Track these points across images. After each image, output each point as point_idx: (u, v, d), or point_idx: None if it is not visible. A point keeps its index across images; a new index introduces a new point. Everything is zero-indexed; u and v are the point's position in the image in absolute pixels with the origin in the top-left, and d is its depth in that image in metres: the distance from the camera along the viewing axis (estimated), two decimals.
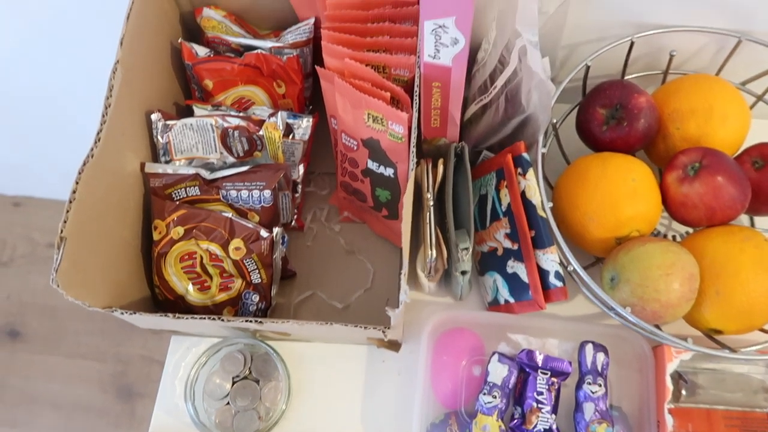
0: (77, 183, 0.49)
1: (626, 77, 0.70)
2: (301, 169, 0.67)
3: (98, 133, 0.51)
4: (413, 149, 0.51)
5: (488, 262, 0.63)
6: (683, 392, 0.59)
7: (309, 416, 0.63)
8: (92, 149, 0.51)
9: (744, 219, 0.69)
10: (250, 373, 0.62)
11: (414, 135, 0.52)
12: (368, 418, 0.62)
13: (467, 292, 0.64)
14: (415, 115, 0.52)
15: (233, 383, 0.62)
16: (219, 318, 0.52)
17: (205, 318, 0.52)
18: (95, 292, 0.52)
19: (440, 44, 0.49)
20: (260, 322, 0.52)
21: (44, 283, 1.32)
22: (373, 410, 0.63)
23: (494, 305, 0.63)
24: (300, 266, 0.68)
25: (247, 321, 0.52)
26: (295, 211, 0.68)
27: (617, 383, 0.60)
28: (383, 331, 0.53)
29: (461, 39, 0.49)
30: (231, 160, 0.63)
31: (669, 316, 0.55)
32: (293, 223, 0.68)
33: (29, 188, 1.37)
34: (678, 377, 0.60)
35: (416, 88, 0.53)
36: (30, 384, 1.25)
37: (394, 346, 0.63)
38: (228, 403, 0.61)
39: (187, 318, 0.52)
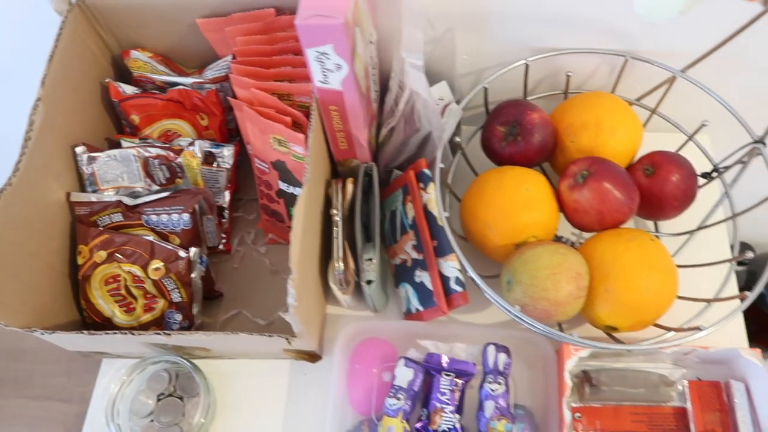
0: None
1: (529, 98, 0.74)
2: (227, 195, 0.71)
3: (17, 164, 0.56)
4: (308, 167, 0.55)
5: (401, 274, 0.67)
6: (587, 390, 0.62)
7: (233, 431, 0.65)
8: (10, 179, 0.55)
9: (650, 225, 0.73)
10: (175, 390, 0.65)
11: (309, 154, 0.56)
12: (290, 430, 0.64)
13: (382, 304, 0.67)
14: (311, 135, 0.57)
15: (158, 401, 0.64)
16: (130, 332, 0.55)
17: (117, 333, 0.55)
18: (14, 312, 0.55)
19: (326, 70, 0.54)
20: (168, 334, 0.55)
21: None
22: (295, 422, 0.65)
23: (408, 315, 0.66)
24: (227, 287, 0.71)
25: (156, 333, 0.55)
26: (223, 235, 0.72)
27: (523, 383, 0.63)
28: (288, 340, 0.56)
29: (344, 64, 0.53)
30: (155, 188, 0.67)
31: (560, 314, 0.58)
32: (221, 246, 0.72)
33: None
34: (583, 376, 0.62)
35: (311, 111, 0.58)
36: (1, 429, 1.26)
37: (313, 357, 0.66)
38: (152, 420, 0.63)
39: (101, 334, 0.55)
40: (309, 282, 0.59)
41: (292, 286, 0.50)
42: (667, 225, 0.72)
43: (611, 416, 0.62)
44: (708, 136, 0.74)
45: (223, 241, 0.72)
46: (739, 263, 0.99)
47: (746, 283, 1.05)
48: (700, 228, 0.69)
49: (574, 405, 0.63)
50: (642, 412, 0.62)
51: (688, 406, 0.61)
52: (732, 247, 0.67)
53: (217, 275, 0.71)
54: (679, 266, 0.63)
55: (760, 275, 1.03)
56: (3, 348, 1.32)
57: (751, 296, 0.57)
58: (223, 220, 0.72)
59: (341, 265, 0.61)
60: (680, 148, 0.70)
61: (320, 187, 0.63)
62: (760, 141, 0.63)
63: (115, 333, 0.55)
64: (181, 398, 0.64)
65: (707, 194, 0.69)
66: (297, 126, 0.60)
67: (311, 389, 0.66)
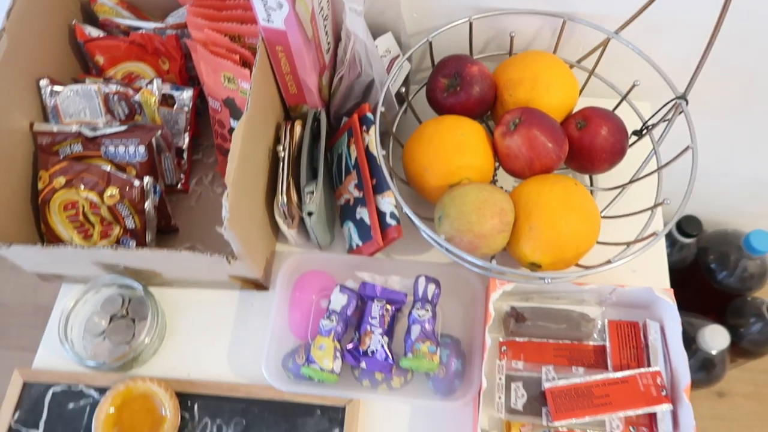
0: None
1: (476, 56, 0.79)
2: (186, 138, 0.75)
3: None
4: (250, 97, 0.59)
5: (344, 213, 0.71)
6: (513, 325, 0.66)
7: (180, 355, 0.69)
8: None
9: (586, 180, 0.77)
10: (127, 313, 0.69)
11: (252, 86, 0.60)
12: (234, 355, 0.68)
13: (326, 241, 0.71)
14: (256, 70, 0.61)
15: (110, 322, 0.68)
16: (80, 246, 0.59)
17: (68, 246, 0.59)
18: None
19: (269, 8, 0.58)
20: (115, 248, 0.59)
21: None
22: (239, 347, 0.69)
23: (350, 251, 0.70)
24: (183, 223, 0.75)
25: (104, 248, 0.59)
26: (182, 175, 0.76)
27: (453, 316, 0.67)
28: (228, 259, 0.60)
29: (285, 3, 0.57)
30: (115, 124, 0.71)
31: (484, 246, 0.62)
32: (179, 186, 0.76)
33: None
34: (511, 311, 0.66)
35: (257, 48, 0.61)
36: None
37: (259, 287, 0.70)
38: (104, 339, 0.67)
39: (54, 247, 0.59)
40: (251, 210, 0.63)
41: (226, 201, 0.54)
42: (601, 181, 0.77)
43: (535, 350, 0.66)
44: (648, 103, 0.78)
45: (182, 180, 0.76)
46: (688, 236, 1.03)
47: (696, 257, 1.09)
48: (631, 182, 0.73)
49: (501, 339, 0.67)
50: (564, 348, 0.66)
51: (607, 343, 0.65)
52: (656, 198, 0.70)
53: (174, 212, 0.75)
54: (609, 217, 0.67)
55: (710, 249, 1.07)
56: None
57: (661, 233, 0.61)
58: (182, 161, 0.76)
59: (284, 197, 0.65)
60: (615, 108, 0.74)
61: (269, 127, 0.67)
62: (682, 97, 0.67)
63: (67, 247, 0.59)
64: (132, 320, 0.68)
65: (639, 153, 0.73)
66: (246, 65, 0.64)
67: (256, 318, 0.70)
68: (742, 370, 1.24)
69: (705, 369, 1.00)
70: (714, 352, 0.95)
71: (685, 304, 1.04)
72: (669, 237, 1.06)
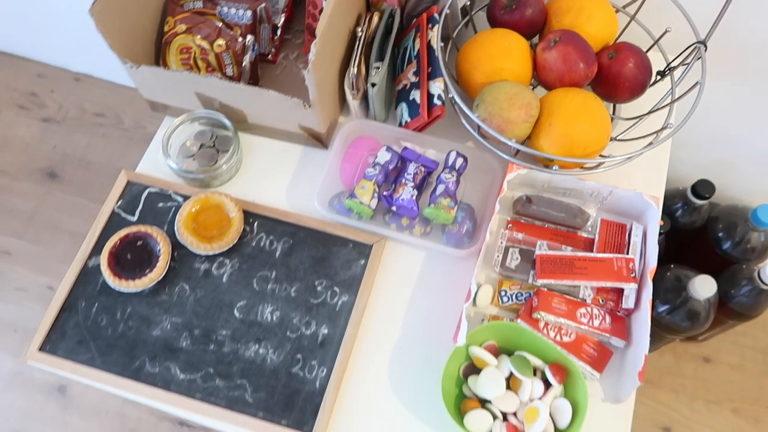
0: None
1: None
2: (282, 17, 0.91)
3: None
4: None
5: (400, 96, 0.85)
6: (521, 207, 0.79)
7: (249, 185, 0.85)
8: None
9: (609, 108, 0.89)
10: (214, 145, 0.85)
11: None
12: (291, 192, 0.84)
13: (382, 115, 0.85)
14: None
15: (200, 148, 0.85)
16: (193, 73, 0.75)
17: (183, 72, 0.75)
18: (117, 42, 0.76)
19: None
20: (220, 77, 0.75)
21: (86, 141, 1.59)
22: (296, 187, 0.84)
23: (400, 126, 0.84)
24: (267, 86, 0.91)
25: (210, 76, 0.75)
26: (273, 48, 0.92)
27: (473, 190, 0.81)
28: (304, 104, 0.75)
29: None
30: None
31: (510, 132, 0.75)
32: (269, 56, 0.92)
33: (90, 67, 1.65)
34: (521, 197, 0.80)
35: None
36: (57, 216, 1.51)
37: (321, 143, 0.85)
38: (194, 160, 0.84)
39: (170, 71, 0.76)
40: (327, 72, 0.78)
41: (314, 46, 0.69)
42: (623, 111, 0.88)
43: (535, 230, 0.79)
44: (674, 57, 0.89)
45: (272, 52, 0.91)
46: (701, 198, 1.13)
47: (706, 224, 1.19)
48: (648, 113, 0.84)
49: (508, 218, 0.81)
50: (559, 234, 0.79)
51: (596, 236, 0.78)
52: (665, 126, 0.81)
53: (261, 77, 0.90)
54: (623, 140, 0.79)
55: (720, 219, 1.16)
56: (73, 156, 1.57)
57: (663, 138, 0.73)
58: (275, 36, 0.91)
59: (354, 69, 0.80)
60: (647, 50, 0.86)
61: (353, 12, 0.82)
62: (702, 42, 0.78)
63: (183, 72, 0.75)
64: (217, 151, 0.85)
65: (660, 94, 0.85)
66: None
67: (314, 169, 0.85)
68: (733, 342, 1.33)
69: (692, 316, 1.10)
70: (701, 299, 1.06)
71: (686, 262, 1.15)
72: (683, 198, 1.16)
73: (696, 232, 1.19)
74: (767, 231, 1.13)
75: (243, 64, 0.84)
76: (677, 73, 0.83)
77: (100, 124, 1.62)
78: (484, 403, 0.68)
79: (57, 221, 1.51)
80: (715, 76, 0.94)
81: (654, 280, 1.14)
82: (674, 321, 1.11)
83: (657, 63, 0.84)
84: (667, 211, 1.19)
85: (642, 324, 0.70)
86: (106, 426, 1.32)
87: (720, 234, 1.16)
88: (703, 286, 1.04)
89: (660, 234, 1.12)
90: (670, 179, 1.27)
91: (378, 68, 0.79)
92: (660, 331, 1.17)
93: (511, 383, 0.68)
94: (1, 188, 1.55)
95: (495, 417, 0.66)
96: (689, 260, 1.15)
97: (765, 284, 1.05)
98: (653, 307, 1.13)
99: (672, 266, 1.13)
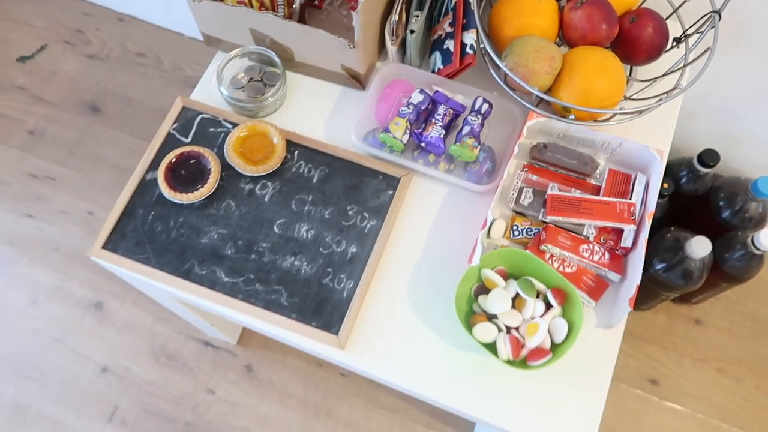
0: None
1: None
2: None
3: None
4: None
5: (435, 46, 0.93)
6: (537, 152, 0.87)
7: (292, 118, 0.93)
8: None
9: (627, 69, 0.96)
10: (262, 79, 0.94)
11: None
12: (329, 126, 0.93)
13: (417, 60, 0.93)
14: None
15: (249, 81, 0.93)
16: (249, 9, 0.83)
17: (241, 6, 0.83)
18: None
19: None
20: (276, 14, 0.83)
21: (127, 79, 1.68)
22: (334, 123, 0.93)
23: (433, 72, 0.92)
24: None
25: (265, 13, 0.83)
26: None
27: (495, 135, 0.89)
28: (348, 44, 0.83)
29: None
30: None
31: (533, 81, 0.83)
32: (316, 1, 0.99)
33: (133, 9, 1.73)
34: (537, 144, 0.88)
35: None
36: (98, 147, 1.61)
37: (359, 83, 0.93)
38: (243, 91, 0.93)
39: (228, 5, 0.84)
40: (371, 17, 0.85)
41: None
42: (639, 73, 0.95)
43: (549, 174, 0.88)
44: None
45: None
46: (706, 166, 1.20)
47: (708, 192, 1.27)
48: (662, 75, 0.91)
49: (525, 163, 0.89)
50: (570, 180, 0.88)
51: (603, 184, 0.86)
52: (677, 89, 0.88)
53: (308, 21, 0.98)
54: (636, 99, 0.86)
55: (722, 189, 1.23)
56: (115, 92, 1.67)
57: (677, 92, 0.81)
58: None
59: (396, 16, 0.87)
60: (667, 18, 0.92)
61: None
62: (717, 12, 0.84)
63: (241, 7, 0.83)
64: (264, 85, 0.93)
65: (675, 59, 0.92)
66: None
67: (351, 109, 0.94)
68: (724, 308, 1.42)
69: (687, 275, 1.19)
70: (697, 259, 1.14)
71: (687, 227, 1.23)
72: (689, 166, 1.23)
73: (699, 200, 1.27)
74: (765, 201, 1.21)
75: (294, 6, 0.91)
76: (692, 40, 0.90)
77: (141, 63, 1.70)
78: (491, 318, 0.77)
79: (98, 152, 1.61)
80: (727, 49, 1.01)
81: (654, 240, 1.23)
82: (670, 279, 1.20)
83: (675, 30, 0.91)
84: (674, 178, 1.26)
85: (637, 261, 0.79)
86: (137, 342, 1.44)
87: (721, 203, 1.24)
88: (699, 246, 1.12)
89: (664, 196, 1.21)
90: (679, 149, 1.35)
91: (417, 17, 0.87)
92: (656, 288, 1.26)
93: (516, 303, 0.77)
94: (48, 118, 1.65)
95: (500, 330, 0.76)
96: (690, 225, 1.23)
97: (757, 250, 1.14)
98: (651, 266, 1.22)
99: (672, 228, 1.21)
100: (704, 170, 1.21)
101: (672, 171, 1.27)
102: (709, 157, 1.19)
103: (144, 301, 1.46)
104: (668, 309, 1.41)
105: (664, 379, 1.35)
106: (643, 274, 1.25)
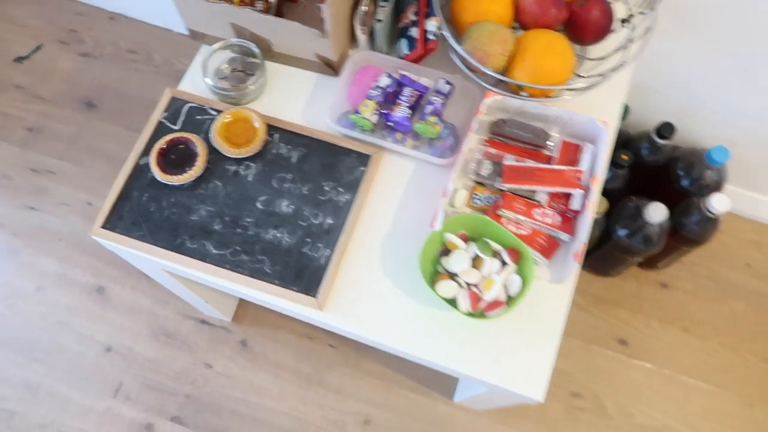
0: None
1: None
2: None
3: None
4: None
5: (401, 33, 1.01)
6: (496, 127, 0.95)
7: (272, 104, 1.01)
8: None
9: (578, 49, 1.04)
10: (243, 70, 1.02)
11: None
12: (306, 111, 1.01)
13: (385, 46, 1.01)
14: None
15: (232, 71, 1.02)
16: (228, 5, 0.91)
17: (221, 3, 0.91)
18: None
19: None
20: (252, 9, 0.91)
21: (120, 75, 1.75)
22: (311, 107, 1.01)
23: (400, 58, 1.00)
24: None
25: (242, 8, 0.91)
26: None
27: (457, 113, 0.97)
28: (319, 33, 0.91)
29: None
30: None
31: (489, 63, 0.91)
32: None
33: (124, 8, 1.81)
34: (496, 120, 0.96)
35: None
36: (94, 141, 1.69)
37: (333, 70, 1.01)
38: (226, 80, 1.01)
39: (210, 2, 0.91)
40: (340, 9, 0.93)
41: None
42: (589, 52, 1.04)
43: (506, 147, 0.96)
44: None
45: None
46: (663, 138, 1.29)
47: (668, 163, 1.35)
48: (614, 51, 0.99)
49: (485, 138, 0.97)
50: (526, 152, 0.96)
51: (555, 155, 0.95)
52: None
53: (285, 14, 1.06)
54: (587, 77, 0.95)
55: (680, 159, 1.32)
56: (109, 87, 1.75)
57: (620, 68, 0.89)
58: None
59: (364, 7, 0.95)
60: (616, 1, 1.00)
61: None
62: None
63: (221, 4, 0.91)
64: (246, 74, 1.01)
65: (623, 38, 1.00)
66: None
67: (325, 95, 1.02)
68: (689, 271, 1.51)
69: (647, 240, 1.28)
70: (655, 224, 1.23)
71: (650, 196, 1.32)
72: (648, 139, 1.31)
73: (660, 170, 1.35)
74: (719, 169, 1.30)
75: (270, 1, 0.99)
76: (637, 21, 0.98)
77: (133, 60, 1.78)
78: (453, 276, 0.86)
79: (95, 145, 1.69)
80: (677, 28, 1.09)
81: (617, 209, 1.32)
82: (632, 244, 1.29)
83: (622, 13, 0.99)
84: (636, 150, 1.35)
85: (585, 222, 0.87)
86: (138, 323, 1.52)
87: (680, 172, 1.33)
88: (656, 212, 1.21)
89: (623, 167, 1.29)
90: (643, 124, 1.43)
91: (384, 7, 0.95)
92: (620, 253, 1.35)
93: (475, 263, 0.86)
94: (46, 115, 1.73)
95: (461, 286, 0.84)
96: (653, 194, 1.31)
97: (710, 213, 1.22)
98: (614, 233, 1.31)
99: (633, 197, 1.30)
100: (662, 142, 1.30)
101: (634, 144, 1.36)
102: (665, 130, 1.27)
103: (143, 285, 1.55)
104: (636, 275, 1.50)
105: (633, 339, 1.44)
106: (607, 240, 1.35)
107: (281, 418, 1.42)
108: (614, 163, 1.25)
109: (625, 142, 1.37)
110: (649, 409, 1.39)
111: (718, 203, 1.19)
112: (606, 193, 1.26)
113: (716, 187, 1.31)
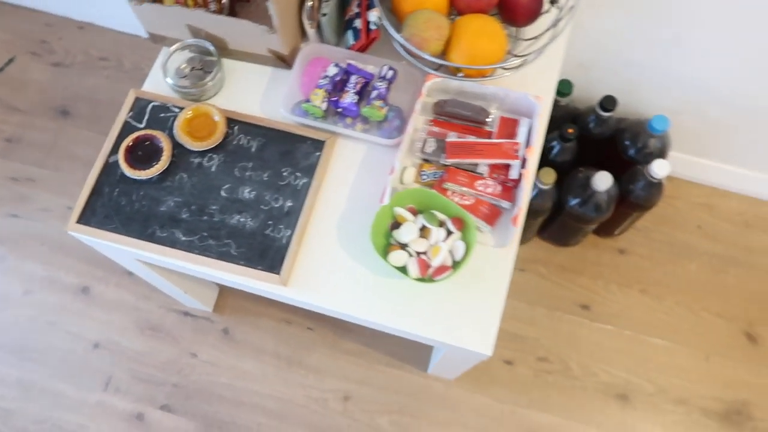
0: None
1: None
2: None
3: None
4: None
5: (347, 25, 1.08)
6: (438, 107, 1.03)
7: (230, 98, 1.08)
8: None
9: (513, 33, 1.11)
10: (202, 68, 1.09)
11: None
12: (263, 103, 1.08)
13: (332, 39, 1.08)
14: None
15: (191, 70, 1.08)
16: (182, 8, 0.98)
17: (176, 6, 0.98)
18: None
19: None
20: (205, 10, 0.97)
21: (93, 82, 1.81)
22: (267, 99, 1.08)
23: (347, 48, 1.07)
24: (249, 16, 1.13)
25: (195, 10, 0.97)
26: None
27: (402, 98, 1.04)
28: (268, 29, 0.98)
29: None
30: None
31: (426, 48, 0.98)
32: None
33: (92, 16, 1.86)
34: (438, 101, 1.03)
35: None
36: (71, 147, 1.75)
37: (286, 63, 1.08)
38: (186, 78, 1.07)
39: (165, 6, 0.98)
40: (289, 5, 1.00)
41: None
42: (523, 33, 1.11)
43: (449, 126, 1.03)
44: None
45: None
46: (606, 110, 1.36)
47: (614, 134, 1.43)
48: (544, 32, 1.07)
49: (429, 118, 1.04)
50: (467, 129, 1.03)
51: (495, 129, 1.02)
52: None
53: (239, 13, 1.13)
54: (520, 56, 1.02)
55: (626, 130, 1.39)
56: (83, 95, 1.80)
57: (554, 40, 0.96)
58: None
59: (310, 2, 1.02)
60: None
61: None
62: None
63: (176, 6, 0.98)
64: (204, 72, 1.08)
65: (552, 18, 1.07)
66: None
67: (280, 87, 1.09)
68: (645, 237, 1.59)
69: (597, 207, 1.35)
70: (602, 191, 1.31)
71: (599, 167, 1.39)
72: (594, 112, 1.39)
73: (608, 142, 1.43)
74: (662, 137, 1.38)
75: (223, 1, 1.06)
76: (564, 1, 1.06)
77: (103, 67, 1.84)
78: (403, 247, 0.93)
79: (72, 151, 1.75)
80: (612, 6, 1.16)
81: (568, 180, 1.39)
82: (584, 212, 1.37)
83: None
84: (583, 124, 1.42)
85: (523, 190, 0.95)
86: (124, 318, 1.59)
87: (626, 142, 1.40)
88: (602, 180, 1.29)
89: (570, 140, 1.37)
90: (589, 99, 1.51)
91: (327, 1, 1.02)
92: (575, 222, 1.43)
93: (423, 233, 0.93)
94: (23, 125, 1.78)
95: (410, 255, 0.92)
96: (603, 165, 1.39)
97: (653, 178, 1.30)
98: (567, 203, 1.39)
99: (582, 168, 1.38)
100: (606, 114, 1.37)
101: (582, 119, 1.44)
102: (607, 103, 1.35)
103: (126, 282, 1.61)
104: (596, 243, 1.58)
105: (594, 304, 1.53)
106: (560, 211, 1.43)
107: (265, 400, 1.49)
108: (561, 137, 1.33)
109: (574, 117, 1.44)
110: (612, 367, 1.48)
111: (659, 168, 1.27)
112: (557, 165, 1.34)
113: (660, 154, 1.39)
